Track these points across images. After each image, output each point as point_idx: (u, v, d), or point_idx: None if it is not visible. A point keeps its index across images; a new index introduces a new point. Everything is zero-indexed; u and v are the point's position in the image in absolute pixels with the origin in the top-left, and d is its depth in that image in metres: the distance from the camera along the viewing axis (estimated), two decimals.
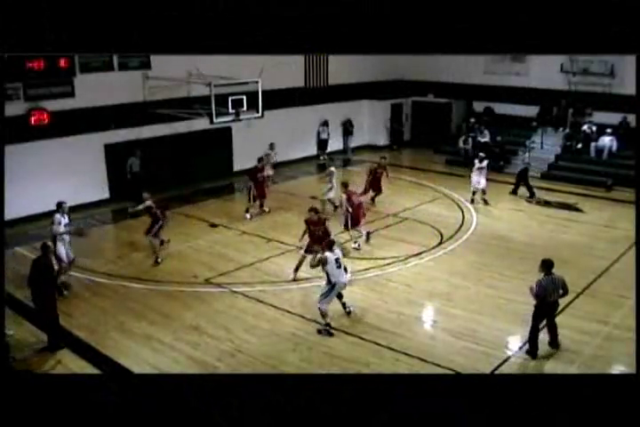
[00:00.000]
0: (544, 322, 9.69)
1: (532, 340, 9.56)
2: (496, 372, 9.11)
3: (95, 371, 9.22)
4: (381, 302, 11.54)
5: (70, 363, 9.46)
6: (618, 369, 9.29)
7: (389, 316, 10.98)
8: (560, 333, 10.19)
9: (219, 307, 11.40)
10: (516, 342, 10.08)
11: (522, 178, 18.99)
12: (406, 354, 9.63)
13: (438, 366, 9.25)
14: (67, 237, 12.03)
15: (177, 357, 9.65)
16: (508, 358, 9.56)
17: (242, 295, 11.86)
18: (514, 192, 19.15)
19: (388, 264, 13.33)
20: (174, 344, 10.04)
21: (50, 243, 10.28)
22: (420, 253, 13.96)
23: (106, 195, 18.07)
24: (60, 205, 12.01)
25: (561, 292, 9.44)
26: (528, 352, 9.61)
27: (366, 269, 13.00)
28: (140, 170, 17.99)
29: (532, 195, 18.66)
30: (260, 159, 17.38)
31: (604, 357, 9.53)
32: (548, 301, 9.36)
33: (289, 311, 11.16)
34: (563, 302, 11.29)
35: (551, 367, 9.17)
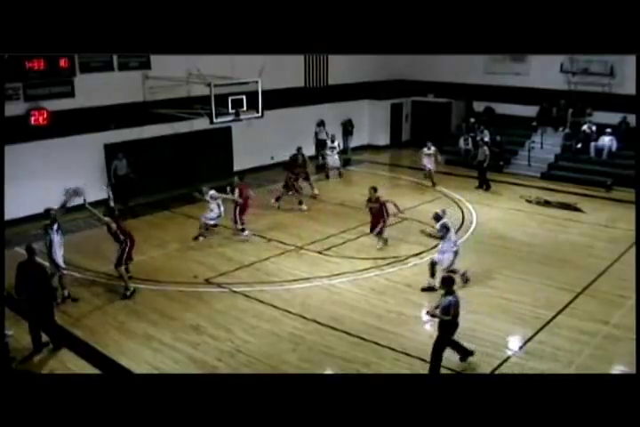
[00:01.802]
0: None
1: (437, 366, 8.79)
2: (496, 372, 9.11)
3: (95, 371, 9.24)
4: (381, 302, 11.54)
5: (70, 363, 9.48)
6: (618, 369, 9.30)
7: (389, 316, 10.99)
8: (559, 333, 10.24)
9: (219, 307, 11.40)
10: (515, 342, 10.09)
11: (480, 170, 19.92)
12: (406, 354, 9.64)
13: None
14: (58, 245, 11.47)
15: (177, 357, 9.66)
16: (508, 357, 9.56)
17: (242, 295, 11.86)
18: (480, 186, 19.96)
19: (388, 264, 13.34)
20: (174, 344, 10.04)
21: (34, 246, 10.14)
22: (420, 253, 13.96)
23: (105, 195, 18.02)
24: (47, 212, 11.53)
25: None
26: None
27: (366, 269, 13.00)
28: (129, 173, 17.80)
29: (488, 187, 19.82)
30: (299, 148, 18.69)
31: (604, 356, 9.52)
32: (456, 320, 8.82)
33: (289, 311, 11.16)
34: (562, 301, 11.38)
35: (550, 367, 9.17)
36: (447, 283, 8.85)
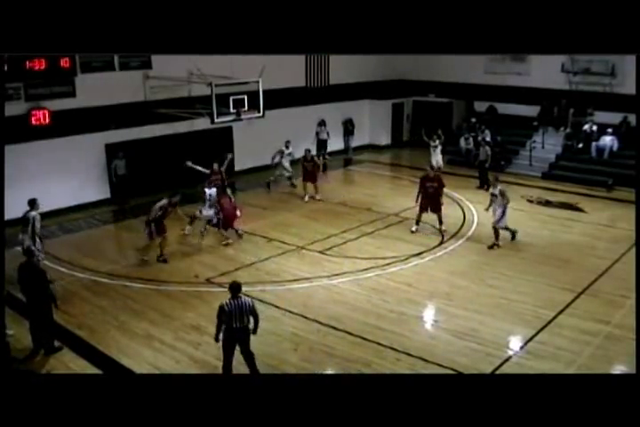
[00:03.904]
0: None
1: (226, 371, 8.76)
2: (497, 372, 9.11)
3: (96, 371, 9.25)
4: (382, 301, 11.54)
5: (71, 363, 9.49)
6: (618, 369, 9.29)
7: (390, 316, 10.99)
8: (560, 333, 10.24)
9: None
10: (516, 342, 10.09)
11: (482, 170, 19.74)
12: (407, 354, 9.64)
13: (440, 365, 9.26)
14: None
15: (178, 356, 9.67)
16: (509, 357, 9.57)
17: (242, 295, 11.84)
18: (482, 186, 19.62)
19: (389, 264, 13.33)
20: (175, 344, 10.05)
21: (33, 247, 10.26)
22: (421, 253, 13.96)
23: (107, 195, 18.08)
24: (34, 201, 12.09)
25: (250, 318, 8.63)
26: None
27: (367, 269, 13.00)
28: (127, 172, 17.84)
29: (488, 187, 19.00)
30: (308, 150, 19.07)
31: (605, 356, 9.52)
32: (233, 327, 8.51)
33: (290, 311, 11.16)
34: (564, 301, 11.37)
35: (552, 367, 9.17)
36: (231, 288, 8.70)
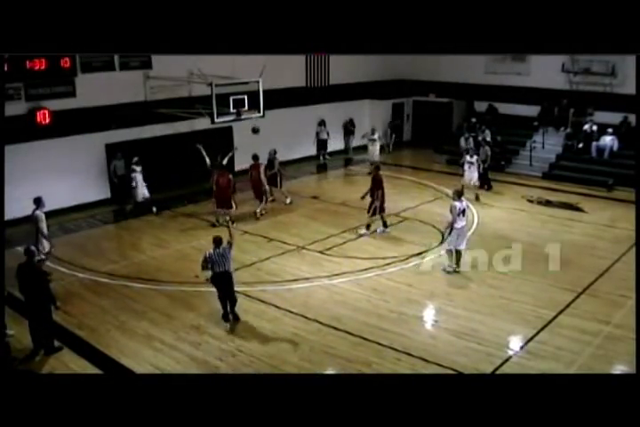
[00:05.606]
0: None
1: (222, 302, 10.79)
2: (497, 371, 9.11)
3: (96, 371, 9.24)
4: (383, 301, 11.54)
5: (71, 363, 9.49)
6: (619, 369, 9.29)
7: (391, 316, 10.98)
8: (561, 332, 10.23)
9: (220, 307, 11.39)
10: (517, 342, 10.08)
11: (483, 170, 19.38)
12: (408, 354, 9.64)
13: (440, 365, 9.26)
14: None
15: (178, 356, 9.66)
16: (510, 357, 9.56)
17: (243, 295, 11.85)
18: (482, 186, 19.43)
19: (389, 264, 13.32)
20: (175, 344, 10.05)
21: (33, 247, 10.28)
22: (421, 253, 13.95)
23: (107, 195, 18.08)
24: (39, 200, 12.19)
25: (231, 263, 10.64)
26: (222, 316, 10.80)
27: (367, 269, 12.99)
28: (126, 172, 17.76)
29: (483, 186, 19.37)
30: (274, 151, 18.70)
31: (605, 356, 9.52)
32: (216, 271, 10.43)
33: (290, 311, 11.16)
34: (564, 301, 11.37)
35: (552, 367, 9.16)
36: (213, 240, 10.64)
